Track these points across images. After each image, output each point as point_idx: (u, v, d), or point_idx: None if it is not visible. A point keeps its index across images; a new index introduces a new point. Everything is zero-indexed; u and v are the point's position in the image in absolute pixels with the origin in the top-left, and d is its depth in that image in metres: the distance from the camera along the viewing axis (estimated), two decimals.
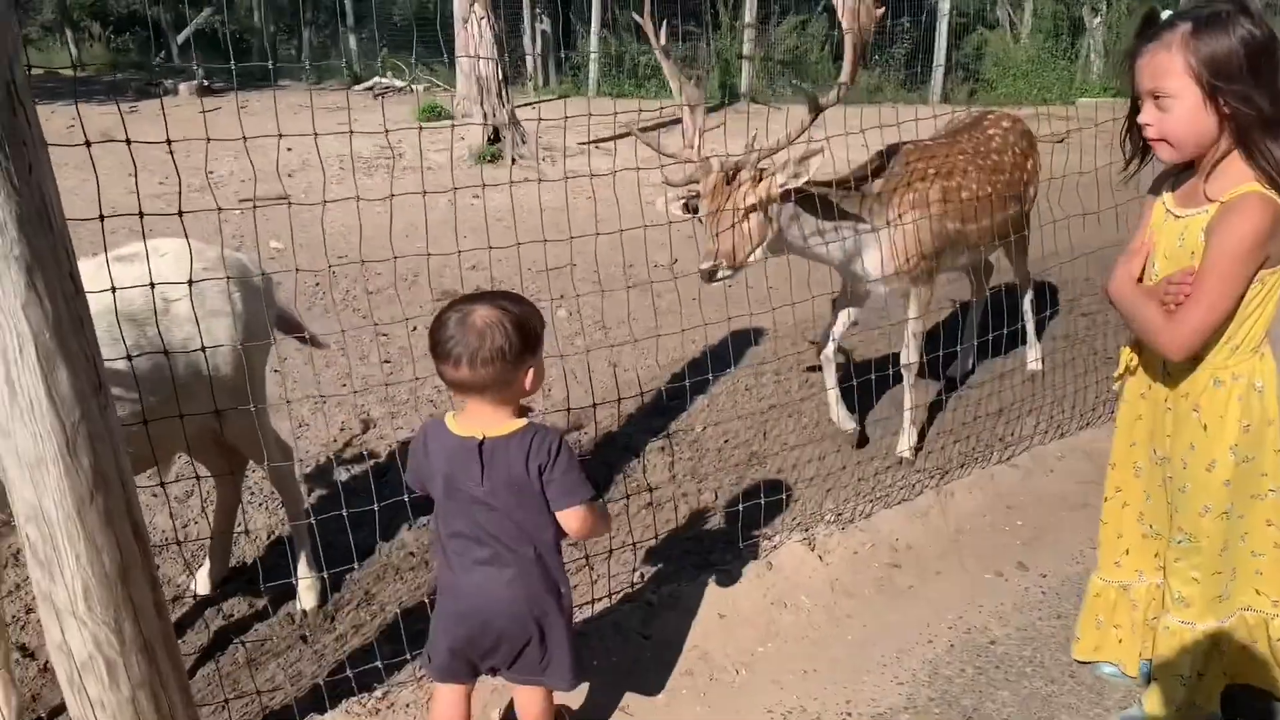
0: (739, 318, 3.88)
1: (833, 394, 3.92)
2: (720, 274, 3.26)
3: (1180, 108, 1.98)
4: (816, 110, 3.31)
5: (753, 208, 3.24)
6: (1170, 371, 2.24)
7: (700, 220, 3.38)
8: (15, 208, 1.75)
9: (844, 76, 3.34)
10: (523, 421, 2.07)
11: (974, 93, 15.40)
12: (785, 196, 3.34)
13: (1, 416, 1.85)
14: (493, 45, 10.35)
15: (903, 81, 16.08)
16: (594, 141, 10.66)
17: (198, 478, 2.63)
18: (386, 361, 4.97)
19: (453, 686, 2.22)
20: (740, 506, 3.33)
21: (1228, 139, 1.99)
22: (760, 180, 3.27)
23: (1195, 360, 2.16)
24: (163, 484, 2.45)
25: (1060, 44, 15.98)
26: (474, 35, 10.32)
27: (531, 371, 2.05)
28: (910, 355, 3.82)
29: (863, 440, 4.02)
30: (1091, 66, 15.56)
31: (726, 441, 4.04)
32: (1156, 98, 2.01)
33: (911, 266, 3.61)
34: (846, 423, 3.97)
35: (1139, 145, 2.15)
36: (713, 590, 2.95)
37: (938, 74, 15.08)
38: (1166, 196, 2.18)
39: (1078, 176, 3.81)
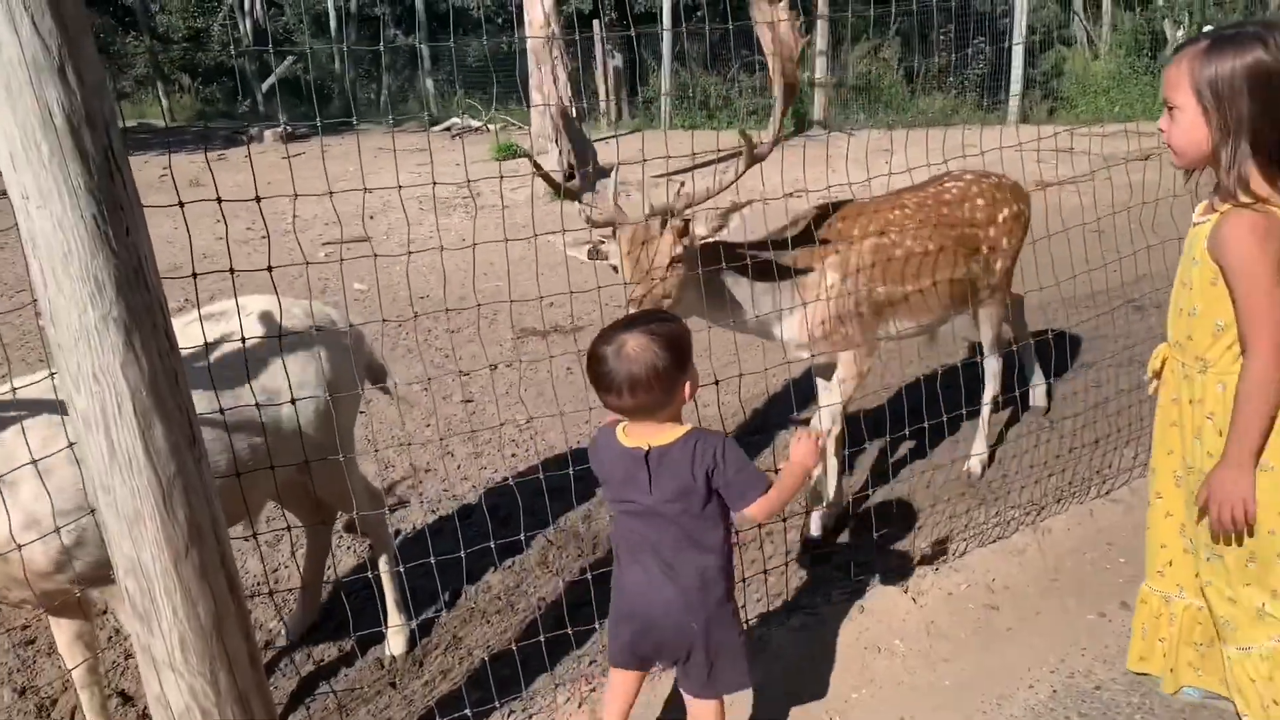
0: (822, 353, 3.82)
1: (832, 467, 3.59)
2: None
3: (1183, 119, 2.08)
4: (752, 160, 3.09)
5: (677, 259, 3.02)
6: (1188, 375, 2.25)
7: (612, 268, 3.18)
8: (114, 270, 1.79)
9: (775, 113, 3.14)
10: (686, 428, 2.13)
11: (1053, 111, 15.12)
12: (705, 253, 3.10)
13: (101, 472, 1.89)
14: (567, 84, 10.47)
15: (979, 103, 15.87)
16: (668, 175, 10.72)
17: (288, 527, 2.66)
18: (469, 401, 5.01)
19: (624, 671, 2.30)
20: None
21: (1229, 150, 2.04)
22: (684, 231, 3.06)
23: (1207, 366, 2.20)
24: (254, 533, 2.48)
25: (1142, 59, 15.62)
26: (548, 75, 10.45)
27: (688, 384, 2.12)
28: (823, 421, 3.50)
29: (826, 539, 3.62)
30: None
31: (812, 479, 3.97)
32: (1170, 108, 2.10)
33: (832, 334, 3.33)
34: (815, 528, 3.59)
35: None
36: (803, 634, 2.89)
37: (1014, 94, 14.82)
38: (1199, 206, 2.23)
39: (1171, 199, 3.68)
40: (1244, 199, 2.03)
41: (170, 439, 1.90)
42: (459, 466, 4.25)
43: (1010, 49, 14.69)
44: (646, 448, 2.09)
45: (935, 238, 3.52)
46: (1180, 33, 15.47)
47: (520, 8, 12.33)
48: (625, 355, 2.05)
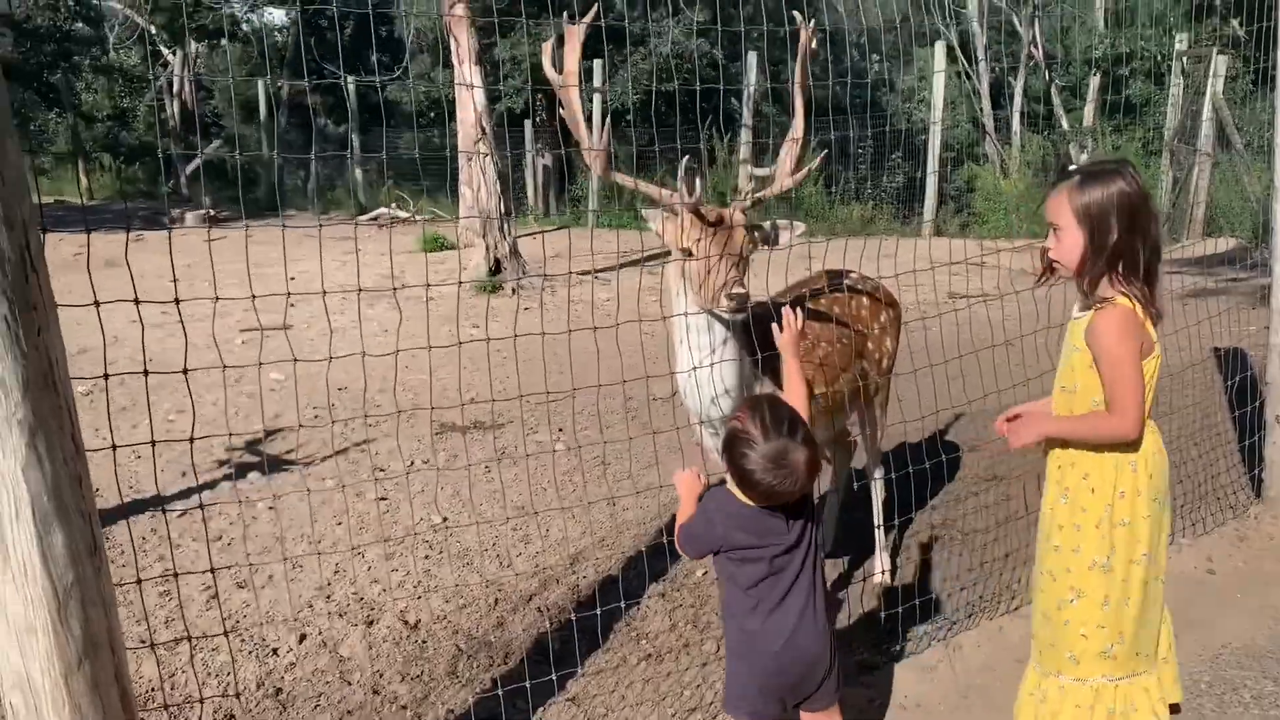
0: None
1: None
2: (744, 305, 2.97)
3: (1066, 238, 2.49)
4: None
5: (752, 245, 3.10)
6: (1066, 443, 2.66)
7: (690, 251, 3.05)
8: (21, 370, 1.74)
9: (795, 133, 3.25)
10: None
11: (966, 225, 15.73)
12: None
13: None
14: (495, 180, 10.59)
15: (895, 214, 16.46)
16: (595, 271, 10.86)
17: (189, 636, 2.55)
18: (383, 499, 4.92)
19: None
20: None
21: (1100, 262, 2.48)
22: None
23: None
24: (151, 644, 2.38)
25: (1049, 179, 16.36)
26: (478, 170, 10.58)
27: None
28: None
29: None
30: None
31: None
32: (1054, 229, 2.52)
33: None
34: None
35: (1047, 264, 2.63)
36: None
37: (929, 207, 15.40)
38: (1076, 304, 2.66)
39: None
40: (1100, 297, 2.49)
41: (70, 546, 1.84)
42: (369, 569, 4.14)
43: (926, 166, 15.28)
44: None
45: (835, 336, 3.54)
46: (1085, 156, 16.31)
47: (453, 103, 12.52)
48: (794, 468, 2.28)
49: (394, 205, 16.50)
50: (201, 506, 2.33)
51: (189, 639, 2.42)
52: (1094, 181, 2.46)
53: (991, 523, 4.40)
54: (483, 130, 10.50)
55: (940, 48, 15.31)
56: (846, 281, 3.81)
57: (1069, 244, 2.50)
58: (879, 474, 4.00)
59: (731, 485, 2.39)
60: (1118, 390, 2.48)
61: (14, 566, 1.80)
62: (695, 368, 3.06)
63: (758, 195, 3.18)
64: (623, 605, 3.58)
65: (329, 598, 3.90)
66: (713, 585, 3.98)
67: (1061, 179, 2.55)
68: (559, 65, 3.25)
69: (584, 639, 3.47)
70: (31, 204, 1.78)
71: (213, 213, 14.62)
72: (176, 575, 2.30)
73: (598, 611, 3.28)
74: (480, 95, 10.50)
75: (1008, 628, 3.46)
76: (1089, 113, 17.10)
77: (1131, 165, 2.50)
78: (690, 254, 3.03)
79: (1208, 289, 9.34)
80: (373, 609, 3.80)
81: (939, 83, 15.40)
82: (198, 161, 18.88)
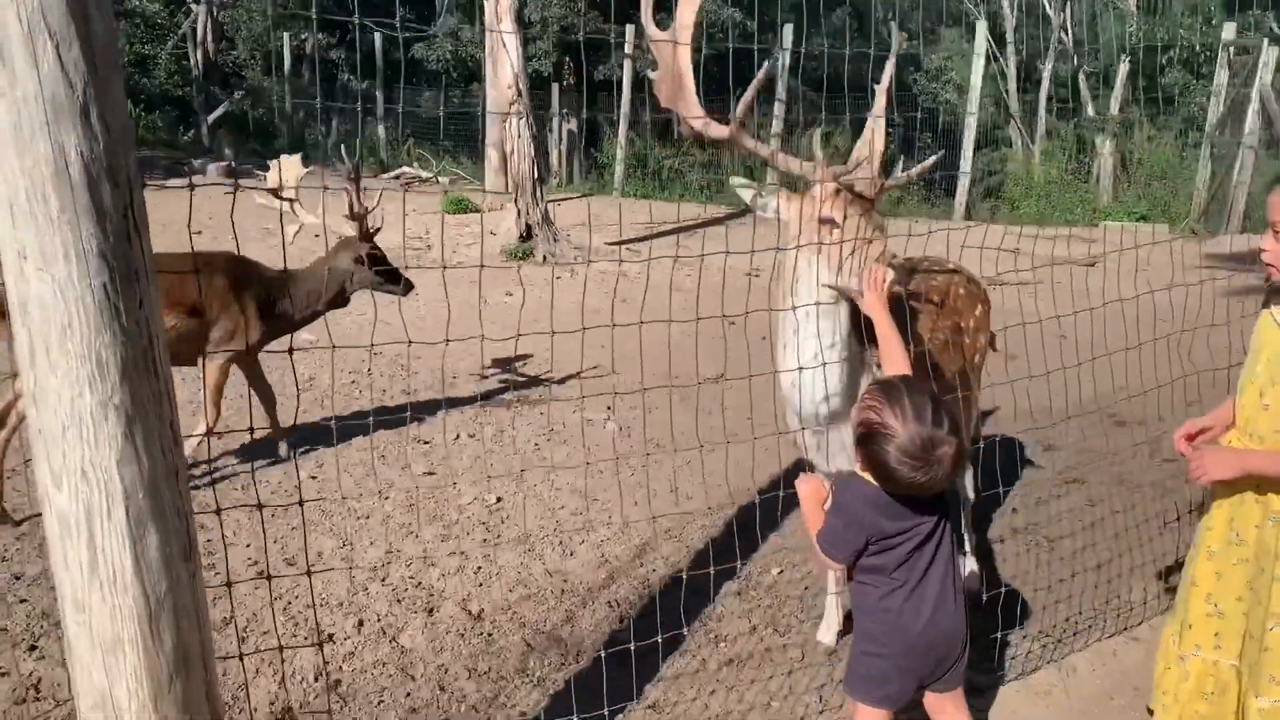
0: None
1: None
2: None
3: None
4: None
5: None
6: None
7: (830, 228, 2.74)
8: (121, 349, 1.51)
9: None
10: None
11: (995, 210, 15.41)
12: None
13: (78, 588, 1.58)
14: (530, 143, 10.27)
15: (925, 197, 16.14)
16: (624, 242, 10.59)
17: (281, 646, 2.32)
18: (431, 474, 4.69)
19: (886, 713, 2.34)
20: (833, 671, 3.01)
21: None
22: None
23: None
24: (241, 654, 2.15)
25: (1081, 166, 16.06)
26: (512, 132, 10.27)
27: None
28: None
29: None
30: (1102, 190, 15.47)
31: (808, 588, 3.72)
32: (1275, 229, 2.29)
33: None
34: (827, 635, 3.36)
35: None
36: None
37: (962, 186, 15.06)
38: (1276, 310, 2.39)
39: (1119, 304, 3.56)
40: None
41: (164, 550, 1.61)
42: (424, 550, 3.92)
43: (961, 150, 14.93)
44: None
45: (940, 328, 3.31)
46: (1108, 146, 15.84)
47: (479, 63, 12.19)
48: (942, 461, 2.10)
49: (415, 164, 16.20)
50: (253, 473, 2.08)
51: (280, 649, 2.18)
52: None
53: (1077, 527, 4.17)
54: (519, 91, 10.18)
55: (981, 28, 14.88)
56: (945, 268, 3.57)
57: None
58: (967, 474, 3.75)
59: (863, 472, 2.22)
60: None
61: (102, 574, 1.57)
62: (824, 362, 2.77)
63: (894, 180, 2.88)
64: (696, 604, 3.36)
65: (384, 580, 3.68)
66: (789, 585, 3.76)
67: None
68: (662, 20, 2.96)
69: (659, 639, 3.24)
70: (135, 157, 1.53)
71: (233, 164, 14.33)
72: (267, 573, 2.06)
73: (673, 612, 3.06)
74: (517, 55, 10.18)
75: (1121, 652, 3.22)
76: (1114, 100, 16.65)
77: None
78: (830, 224, 2.73)
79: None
80: (432, 595, 3.58)
81: (978, 67, 14.91)
82: (219, 111, 18.54)
